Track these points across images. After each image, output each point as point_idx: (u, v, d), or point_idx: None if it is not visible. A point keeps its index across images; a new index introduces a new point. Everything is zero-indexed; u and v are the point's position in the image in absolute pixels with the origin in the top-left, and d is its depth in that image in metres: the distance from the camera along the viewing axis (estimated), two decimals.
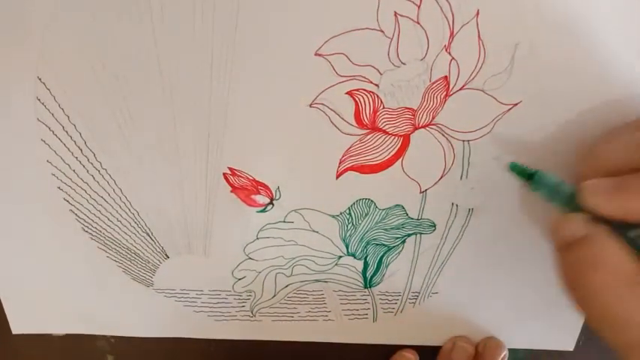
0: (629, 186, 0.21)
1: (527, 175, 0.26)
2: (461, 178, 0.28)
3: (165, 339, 0.34)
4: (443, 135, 0.26)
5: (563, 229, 0.22)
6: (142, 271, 0.31)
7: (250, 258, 0.30)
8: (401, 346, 0.34)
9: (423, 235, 0.30)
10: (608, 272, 0.21)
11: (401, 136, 0.26)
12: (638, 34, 0.24)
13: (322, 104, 0.25)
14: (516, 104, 0.26)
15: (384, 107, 0.26)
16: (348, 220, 0.29)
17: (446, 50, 0.24)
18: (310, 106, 0.25)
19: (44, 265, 0.31)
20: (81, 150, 0.27)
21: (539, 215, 0.29)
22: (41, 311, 0.33)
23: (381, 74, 0.25)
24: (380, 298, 0.32)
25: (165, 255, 0.31)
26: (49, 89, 0.26)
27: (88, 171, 0.28)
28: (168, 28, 0.24)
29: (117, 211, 0.29)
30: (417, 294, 0.32)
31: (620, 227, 0.21)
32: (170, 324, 0.33)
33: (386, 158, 0.27)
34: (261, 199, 0.28)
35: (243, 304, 0.32)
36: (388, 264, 0.31)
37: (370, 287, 0.32)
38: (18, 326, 0.33)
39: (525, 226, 0.29)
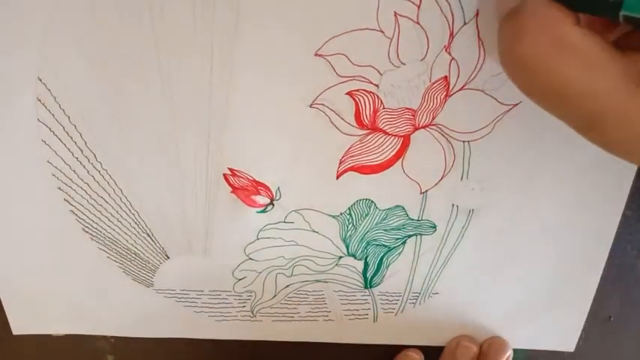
0: None
1: None
2: (461, 178, 0.28)
3: (166, 339, 0.34)
4: (443, 135, 0.26)
5: None
6: (143, 271, 0.31)
7: (250, 258, 0.30)
8: (401, 347, 0.34)
9: (423, 236, 0.30)
10: (538, 24, 0.18)
11: (401, 136, 0.26)
12: None
13: (322, 104, 0.25)
14: (516, 104, 0.26)
15: (384, 107, 0.25)
16: (348, 220, 0.29)
17: (446, 50, 0.24)
18: (310, 106, 0.25)
19: (44, 265, 0.31)
20: (81, 151, 0.27)
21: (539, 215, 0.29)
22: (41, 312, 0.33)
23: (381, 74, 0.25)
24: (380, 299, 0.32)
25: (166, 255, 0.31)
26: (49, 90, 0.26)
27: (88, 172, 0.28)
28: (169, 29, 0.24)
29: (117, 212, 0.29)
30: (417, 294, 0.32)
31: None
32: (170, 324, 0.33)
33: (386, 159, 0.27)
34: (262, 199, 0.28)
35: (244, 305, 0.32)
36: (389, 264, 0.31)
37: (370, 288, 0.32)
38: (18, 327, 0.33)
39: (525, 227, 0.29)
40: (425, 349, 0.34)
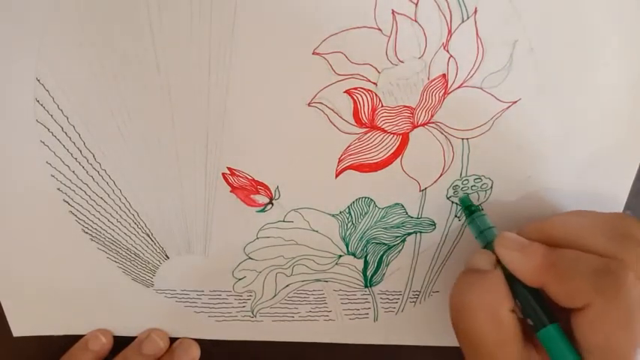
0: (528, 252, 0.24)
1: (469, 211, 0.28)
2: (460, 176, 0.28)
3: None
4: (442, 133, 0.26)
5: (473, 258, 0.26)
6: (142, 271, 0.31)
7: (250, 258, 0.30)
8: (402, 346, 0.34)
9: (423, 234, 0.30)
10: (484, 304, 0.24)
11: (400, 134, 0.26)
12: (637, 31, 0.24)
13: (320, 103, 0.25)
14: (515, 102, 0.26)
15: (382, 106, 0.25)
16: (347, 219, 0.29)
17: (444, 48, 0.24)
18: (309, 105, 0.25)
19: (44, 266, 0.31)
20: (80, 151, 0.27)
21: (538, 214, 0.29)
22: (41, 313, 0.33)
23: (379, 72, 0.25)
24: (381, 298, 0.32)
25: (166, 255, 0.31)
26: (47, 90, 0.26)
27: (87, 172, 0.28)
28: (166, 28, 0.24)
29: (117, 212, 0.29)
30: (417, 293, 0.32)
31: (512, 278, 0.24)
32: (170, 324, 0.33)
33: (385, 157, 0.27)
34: (261, 198, 0.28)
35: (244, 305, 0.32)
36: (388, 263, 0.31)
37: (371, 286, 0.32)
38: (18, 329, 0.33)
39: (524, 224, 0.29)
40: (425, 349, 0.34)
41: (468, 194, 0.28)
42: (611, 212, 0.25)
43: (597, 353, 0.22)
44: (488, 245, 0.26)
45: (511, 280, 0.24)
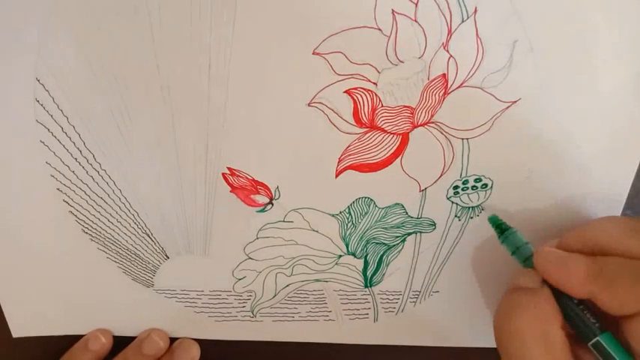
0: (572, 265, 0.23)
1: (501, 230, 0.27)
2: (460, 176, 0.28)
3: None
4: (442, 133, 0.26)
5: (520, 277, 0.25)
6: (143, 271, 0.31)
7: (250, 258, 0.30)
8: (402, 347, 0.34)
9: (423, 234, 0.30)
10: (534, 324, 0.23)
11: (400, 134, 0.26)
12: (636, 31, 0.24)
13: (320, 103, 0.25)
14: (515, 102, 0.26)
15: (382, 106, 0.25)
16: (347, 219, 0.29)
17: (444, 48, 0.24)
18: (309, 105, 0.25)
19: (44, 266, 0.31)
20: (80, 151, 0.27)
21: (539, 214, 0.29)
22: (41, 313, 0.33)
23: (379, 72, 0.25)
24: (381, 298, 0.32)
25: (166, 255, 0.31)
26: (47, 90, 0.26)
27: (87, 172, 0.28)
28: (166, 28, 0.24)
29: (117, 212, 0.29)
30: (417, 293, 0.32)
31: (558, 292, 0.24)
32: (171, 324, 0.33)
33: (385, 157, 0.27)
34: (261, 198, 0.28)
35: (244, 305, 0.32)
36: (388, 263, 0.31)
37: (371, 286, 0.32)
38: (18, 329, 0.33)
39: (525, 224, 0.29)
40: (425, 349, 0.34)
41: (495, 215, 0.28)
42: None
43: None
44: (527, 261, 0.26)
45: (557, 294, 0.24)
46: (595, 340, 0.23)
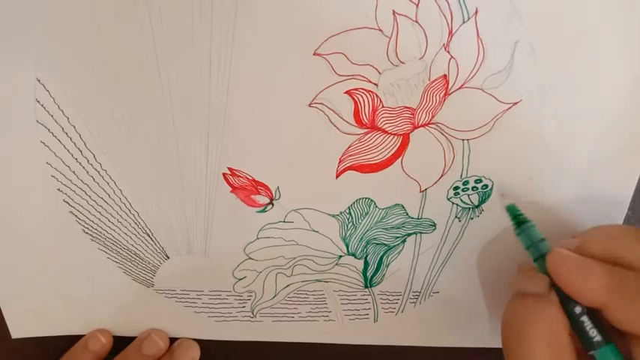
0: (588, 272, 0.23)
1: (518, 222, 0.26)
2: (461, 177, 0.28)
3: None
4: (442, 134, 0.26)
5: (527, 282, 0.25)
6: (143, 271, 0.31)
7: (250, 258, 0.30)
8: (402, 347, 0.34)
9: (423, 235, 0.30)
10: (542, 332, 0.23)
11: (400, 135, 0.26)
12: (638, 32, 0.24)
13: (321, 104, 0.25)
14: (516, 103, 0.26)
15: (383, 106, 0.25)
16: (348, 219, 0.29)
17: (445, 49, 0.24)
18: (309, 105, 0.25)
19: (44, 267, 0.31)
20: (81, 151, 0.27)
21: (539, 215, 0.29)
22: (41, 314, 0.33)
23: (379, 73, 0.25)
24: (381, 298, 0.32)
25: (166, 255, 0.31)
26: (48, 91, 0.26)
27: (87, 172, 0.28)
28: (167, 29, 0.24)
29: (117, 212, 0.29)
30: (417, 293, 0.32)
31: (566, 298, 0.24)
32: (171, 325, 0.33)
33: (385, 157, 0.27)
34: (261, 199, 0.28)
35: (244, 305, 0.32)
36: (388, 263, 0.31)
37: (371, 287, 0.32)
38: (17, 330, 0.33)
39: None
40: (425, 350, 0.34)
41: (512, 204, 0.27)
42: None
43: None
44: (541, 258, 0.25)
45: (565, 299, 0.24)
46: (600, 349, 0.23)
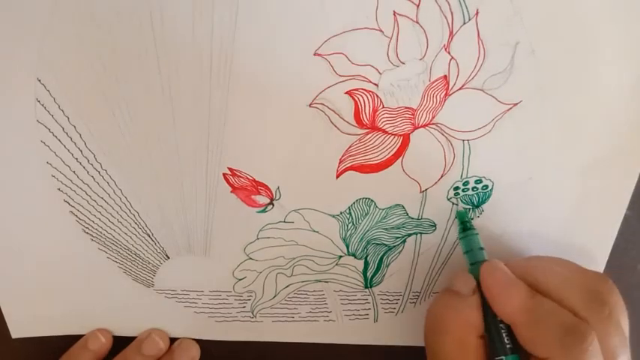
0: (512, 291, 0.25)
1: (464, 227, 0.28)
2: (461, 177, 0.28)
3: None
4: (443, 134, 0.26)
5: (457, 280, 0.27)
6: (143, 271, 0.31)
7: (251, 258, 0.30)
8: (402, 347, 0.34)
9: (423, 235, 0.30)
10: (456, 329, 0.25)
11: (401, 135, 0.26)
12: (638, 32, 0.24)
13: (322, 104, 0.25)
14: (516, 104, 0.26)
15: (383, 107, 0.25)
16: (348, 219, 0.29)
17: (445, 50, 0.24)
18: (310, 105, 0.25)
19: (44, 267, 0.31)
20: (81, 151, 0.27)
21: (539, 215, 0.29)
22: (41, 314, 0.33)
23: (380, 74, 0.25)
24: (381, 298, 0.32)
25: (166, 255, 0.31)
26: (48, 90, 0.26)
27: (88, 172, 0.28)
28: (168, 29, 0.24)
29: (117, 212, 0.29)
30: (417, 294, 0.32)
31: (488, 305, 0.25)
32: (171, 324, 0.33)
33: (386, 158, 0.27)
34: (261, 199, 0.28)
35: (244, 305, 0.32)
36: (389, 264, 0.31)
37: (371, 287, 0.32)
38: (17, 330, 0.33)
39: (525, 226, 0.29)
40: (422, 350, 0.34)
41: (466, 210, 0.29)
42: (594, 272, 0.26)
43: None
44: (476, 265, 0.27)
45: (486, 306, 0.25)
46: (501, 358, 0.25)
